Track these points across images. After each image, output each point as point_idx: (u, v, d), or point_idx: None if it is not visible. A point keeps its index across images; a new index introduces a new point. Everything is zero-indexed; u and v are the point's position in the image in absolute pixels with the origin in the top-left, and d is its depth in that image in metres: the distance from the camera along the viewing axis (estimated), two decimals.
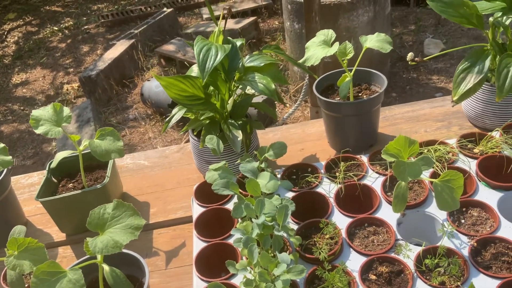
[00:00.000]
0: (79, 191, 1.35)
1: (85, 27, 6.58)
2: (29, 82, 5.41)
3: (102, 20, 6.42)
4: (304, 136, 1.70)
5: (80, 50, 5.92)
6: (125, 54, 4.92)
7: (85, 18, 6.83)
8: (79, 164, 1.41)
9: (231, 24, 5.14)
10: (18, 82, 5.46)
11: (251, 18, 5.25)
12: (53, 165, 1.42)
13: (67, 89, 4.99)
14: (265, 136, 1.75)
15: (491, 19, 1.41)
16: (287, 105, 4.04)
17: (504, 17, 1.43)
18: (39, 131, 1.31)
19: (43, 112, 1.36)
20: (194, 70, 1.43)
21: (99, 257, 1.00)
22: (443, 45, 4.45)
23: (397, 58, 4.45)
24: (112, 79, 4.68)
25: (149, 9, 6.48)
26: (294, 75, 4.25)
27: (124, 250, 1.12)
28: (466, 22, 1.38)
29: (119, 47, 5.00)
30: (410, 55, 1.31)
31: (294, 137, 1.70)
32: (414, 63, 1.31)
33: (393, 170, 1.05)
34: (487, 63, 1.37)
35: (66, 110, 1.35)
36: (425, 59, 1.31)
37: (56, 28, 6.65)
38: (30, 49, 6.21)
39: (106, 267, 1.01)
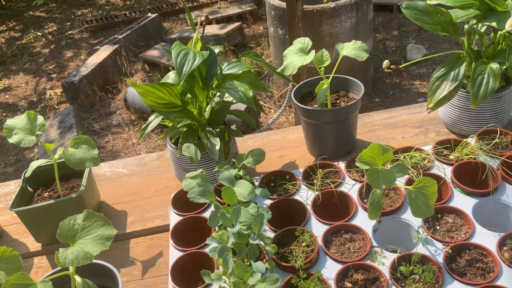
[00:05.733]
0: (53, 201, 1.33)
1: (68, 32, 6.53)
2: (12, 88, 5.34)
3: (86, 25, 6.37)
4: (284, 142, 1.70)
5: (64, 56, 5.87)
6: (109, 60, 4.89)
7: (69, 23, 6.78)
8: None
9: (216, 29, 5.14)
10: (1, 88, 5.39)
11: (236, 24, 5.26)
12: (28, 174, 1.40)
13: (50, 95, 4.94)
14: (245, 143, 1.74)
15: (466, 26, 1.43)
16: (268, 112, 4.04)
17: (479, 25, 1.44)
18: (12, 140, 1.29)
19: (17, 121, 1.34)
20: (171, 77, 1.42)
21: (71, 268, 0.99)
22: (425, 51, 4.49)
23: (380, 64, 4.48)
24: (95, 84, 4.64)
25: (133, 14, 6.45)
26: (278, 80, 4.26)
27: (98, 261, 1.11)
28: (441, 29, 1.39)
29: (103, 53, 4.96)
30: (385, 63, 1.31)
31: (274, 144, 1.70)
32: (390, 70, 1.32)
33: (367, 177, 1.05)
34: (462, 70, 1.38)
35: (40, 119, 1.34)
36: (400, 66, 1.32)
37: (40, 33, 6.58)
38: (13, 55, 6.14)
39: (78, 279, 1.00)
